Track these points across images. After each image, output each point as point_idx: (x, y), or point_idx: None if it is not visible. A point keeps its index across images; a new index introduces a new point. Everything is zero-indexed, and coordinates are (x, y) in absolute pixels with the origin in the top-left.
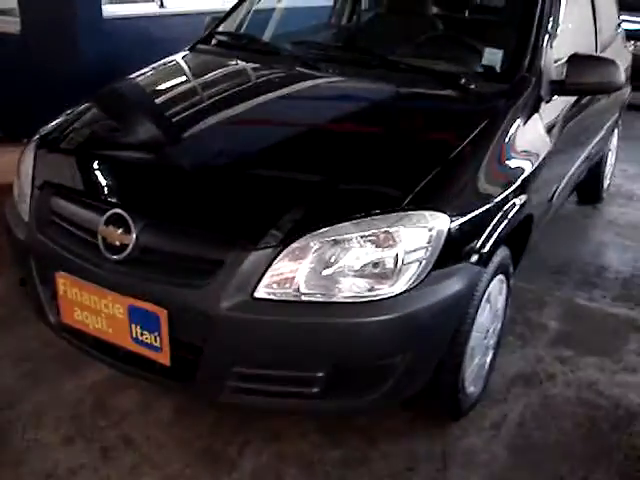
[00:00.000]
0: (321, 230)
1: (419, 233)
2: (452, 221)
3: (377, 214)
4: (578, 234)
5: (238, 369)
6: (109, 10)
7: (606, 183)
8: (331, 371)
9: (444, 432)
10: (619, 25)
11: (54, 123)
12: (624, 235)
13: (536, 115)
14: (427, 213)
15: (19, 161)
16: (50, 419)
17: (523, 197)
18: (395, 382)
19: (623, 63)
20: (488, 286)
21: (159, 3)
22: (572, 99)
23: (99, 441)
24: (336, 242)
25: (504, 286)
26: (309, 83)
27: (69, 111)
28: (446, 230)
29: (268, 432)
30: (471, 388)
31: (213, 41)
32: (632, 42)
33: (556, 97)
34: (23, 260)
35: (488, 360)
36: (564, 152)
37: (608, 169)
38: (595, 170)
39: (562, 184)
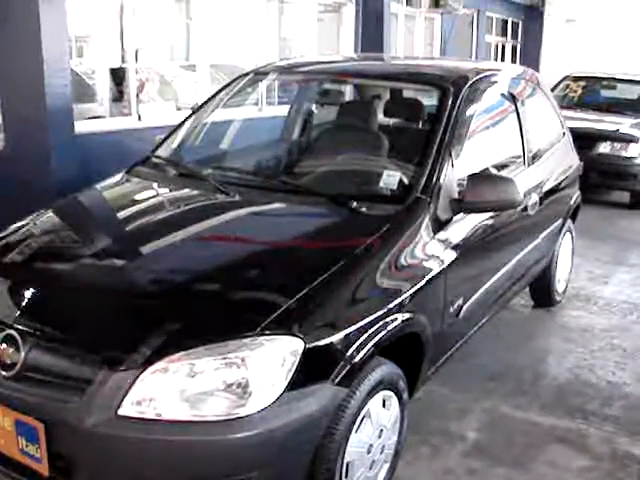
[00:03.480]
0: (179, 353)
1: (271, 357)
2: (307, 345)
3: (231, 339)
4: (523, 339)
5: None
6: (82, 127)
7: (561, 287)
8: None
9: None
10: (563, 132)
11: None
12: (571, 340)
13: (430, 233)
14: (281, 338)
15: None
16: None
17: (405, 315)
18: None
19: (567, 167)
20: (364, 403)
21: (137, 117)
22: (486, 215)
23: None
24: (194, 365)
25: (393, 402)
26: (211, 207)
27: (8, 230)
28: (300, 354)
29: None
30: None
31: (149, 163)
32: (608, 142)
33: (461, 214)
34: None
35: (382, 473)
36: (471, 268)
37: (561, 273)
38: (544, 275)
39: (472, 299)
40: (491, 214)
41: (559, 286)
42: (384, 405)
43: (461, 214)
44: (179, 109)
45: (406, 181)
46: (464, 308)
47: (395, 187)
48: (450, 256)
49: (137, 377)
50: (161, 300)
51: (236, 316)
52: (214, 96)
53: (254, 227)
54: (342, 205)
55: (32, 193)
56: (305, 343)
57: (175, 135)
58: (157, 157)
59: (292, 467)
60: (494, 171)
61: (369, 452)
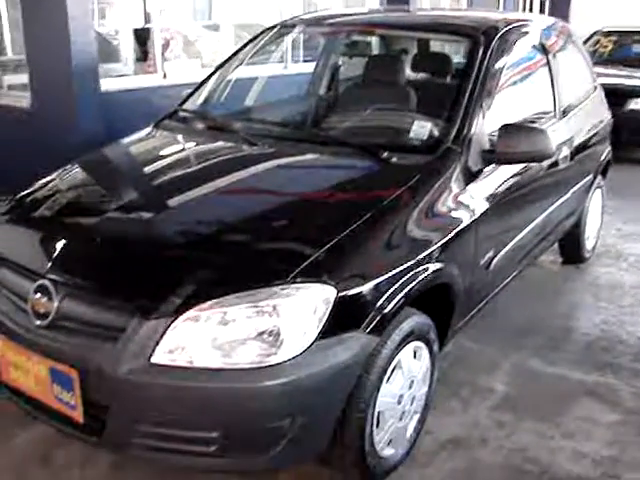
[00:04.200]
0: (210, 302)
1: (303, 305)
2: (339, 293)
3: (265, 286)
4: (553, 295)
5: (140, 428)
6: (108, 84)
7: (590, 244)
8: (224, 432)
9: None
10: (594, 86)
11: (17, 195)
12: (601, 296)
13: (462, 184)
14: (313, 285)
15: None
16: None
17: (436, 265)
18: (288, 443)
19: (598, 122)
20: (396, 354)
21: (163, 75)
22: (518, 166)
23: None
24: (226, 313)
25: (424, 353)
26: (240, 158)
27: (33, 184)
28: (332, 302)
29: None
30: (389, 451)
31: (177, 117)
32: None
33: (493, 166)
34: None
35: (412, 424)
36: (502, 220)
37: (591, 230)
38: (573, 231)
39: (503, 252)
40: (522, 167)
41: (588, 243)
42: (415, 356)
43: (492, 166)
44: (204, 67)
45: (437, 132)
46: (494, 261)
47: (426, 137)
48: (481, 207)
49: (169, 325)
50: (192, 250)
51: (267, 265)
52: (240, 50)
53: (284, 178)
54: (373, 155)
55: (58, 150)
56: (337, 291)
57: (201, 90)
58: (185, 111)
59: (323, 416)
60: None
61: (399, 403)
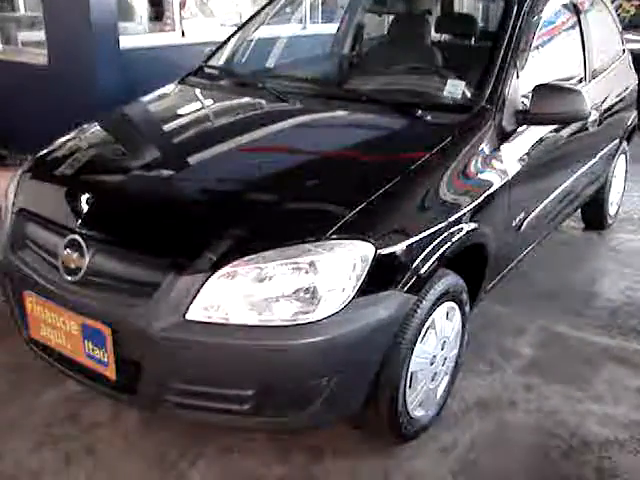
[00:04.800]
0: (249, 256)
1: (343, 261)
2: (378, 250)
3: (304, 242)
4: (576, 261)
5: (173, 385)
6: (128, 42)
7: (613, 210)
8: (259, 390)
9: (391, 454)
10: (623, 49)
11: (41, 152)
12: (623, 262)
13: (495, 144)
14: (352, 242)
15: (6, 187)
16: (26, 427)
17: (471, 225)
18: (323, 402)
19: (625, 87)
20: (430, 314)
21: (181, 33)
22: (549, 128)
23: (64, 449)
24: (262, 269)
25: (456, 313)
26: (273, 114)
27: (57, 140)
28: (370, 259)
29: (222, 446)
30: (419, 412)
31: (202, 73)
32: None
33: (525, 127)
34: (2, 278)
35: (442, 385)
36: (534, 181)
37: (614, 195)
38: (597, 197)
39: (533, 214)
40: (553, 129)
41: (611, 209)
42: (447, 317)
43: (525, 127)
44: (222, 25)
45: (471, 91)
46: (525, 223)
47: (460, 97)
48: (514, 168)
49: (205, 281)
50: (227, 206)
51: (305, 221)
52: (260, 11)
53: (317, 135)
54: (407, 113)
55: (76, 108)
56: (375, 248)
57: (224, 48)
58: (210, 67)
59: (359, 375)
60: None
61: (432, 364)
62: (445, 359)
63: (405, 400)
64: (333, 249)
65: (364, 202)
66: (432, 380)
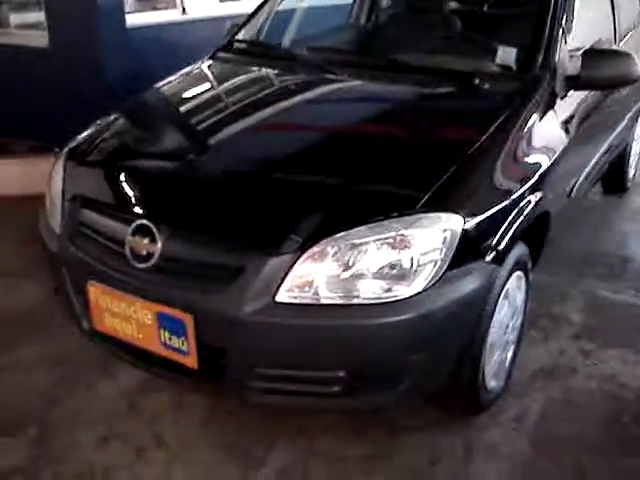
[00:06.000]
0: (338, 234)
1: (433, 235)
2: (466, 221)
3: (392, 217)
4: (602, 225)
5: (262, 370)
6: (132, 20)
7: (631, 172)
8: (351, 371)
9: (467, 426)
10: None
11: (83, 135)
12: None
13: (551, 111)
14: (441, 215)
15: (50, 174)
16: (86, 421)
17: (539, 194)
18: (415, 379)
19: None
20: (505, 283)
21: (181, 10)
22: (589, 92)
23: (133, 442)
24: (353, 246)
25: (523, 282)
26: (325, 88)
27: (98, 122)
28: (460, 231)
29: (294, 428)
30: (492, 383)
31: (233, 48)
32: None
33: (572, 92)
34: (56, 270)
35: (509, 355)
36: (582, 146)
37: (633, 158)
38: (619, 160)
39: (581, 178)
40: (594, 93)
41: (630, 172)
42: (517, 286)
43: (572, 92)
44: (222, 1)
45: (523, 57)
46: (575, 188)
47: (513, 64)
48: (568, 134)
49: (294, 262)
50: (307, 184)
51: (391, 196)
52: None
53: (378, 108)
54: (462, 83)
55: (81, 92)
56: (464, 220)
57: (252, 22)
58: (241, 42)
59: (448, 349)
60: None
61: (505, 333)
62: (513, 328)
63: (484, 372)
64: (423, 223)
65: (446, 174)
66: (503, 350)
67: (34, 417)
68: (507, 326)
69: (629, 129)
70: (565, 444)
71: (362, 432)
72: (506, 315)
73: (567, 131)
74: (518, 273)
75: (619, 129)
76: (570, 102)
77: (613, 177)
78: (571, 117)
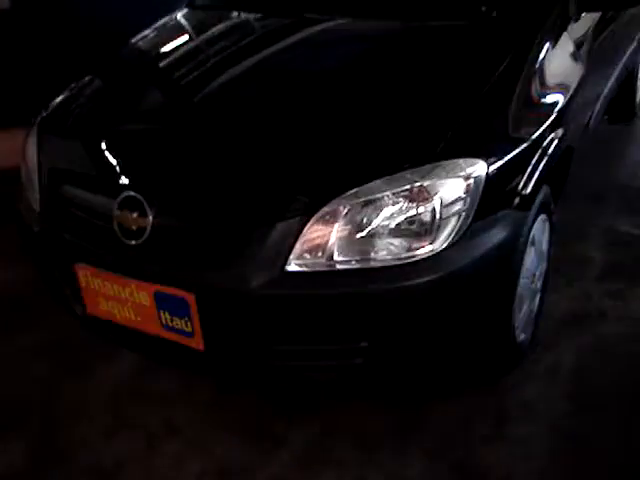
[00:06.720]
0: (350, 192)
1: (455, 183)
2: (489, 166)
3: (408, 168)
4: (612, 156)
5: (277, 347)
6: None
7: (638, 98)
8: (375, 341)
9: (498, 386)
10: None
11: (56, 102)
12: None
13: (564, 37)
14: (462, 161)
15: (23, 146)
16: (90, 411)
17: (561, 129)
18: (446, 344)
19: None
20: (531, 229)
21: None
22: (597, 14)
23: (142, 429)
24: (367, 202)
25: (547, 225)
26: (316, 30)
27: (72, 85)
28: (484, 177)
29: (312, 403)
30: (521, 336)
31: None
32: None
33: (583, 14)
34: (38, 252)
35: (536, 304)
36: (596, 73)
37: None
38: (626, 86)
39: (597, 107)
40: (604, 15)
41: (638, 97)
42: (542, 229)
43: (584, 14)
44: None
45: None
46: (592, 118)
47: None
48: (584, 61)
49: (302, 227)
50: (312, 136)
51: (404, 144)
52: None
53: (381, 48)
54: (470, 10)
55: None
56: (487, 165)
57: None
58: None
59: (479, 310)
60: None
61: (532, 282)
62: (540, 275)
63: (514, 325)
64: (442, 171)
65: (463, 114)
66: (532, 300)
67: (34, 410)
68: (534, 274)
69: (637, 52)
70: (604, 396)
71: (385, 403)
72: (532, 263)
73: (582, 58)
74: (542, 216)
75: (628, 52)
76: (582, 26)
77: (620, 104)
78: (583, 42)
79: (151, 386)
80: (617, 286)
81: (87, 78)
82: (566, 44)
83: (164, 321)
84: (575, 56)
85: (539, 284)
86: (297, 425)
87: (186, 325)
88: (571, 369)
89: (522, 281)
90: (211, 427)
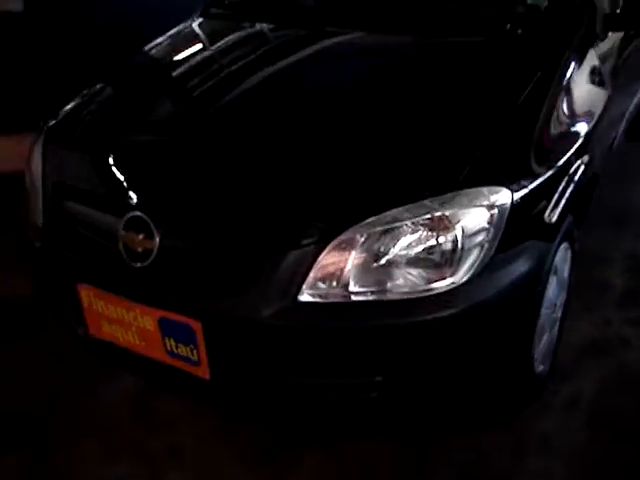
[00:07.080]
0: (368, 220)
1: (478, 213)
2: (514, 194)
3: (428, 196)
4: (632, 176)
5: (286, 380)
6: None
7: None
8: (390, 375)
9: (516, 419)
10: None
11: (65, 110)
12: None
13: (591, 56)
14: (485, 189)
15: (29, 154)
16: (90, 431)
17: (587, 155)
18: (464, 379)
19: None
20: (554, 258)
21: None
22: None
23: (145, 453)
24: (386, 231)
25: (569, 253)
26: (335, 45)
27: (83, 92)
28: (509, 206)
29: (321, 434)
30: (540, 367)
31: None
32: None
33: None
34: (40, 268)
35: (555, 333)
36: (621, 93)
37: None
38: None
39: (621, 127)
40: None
41: None
42: (564, 258)
43: (610, 34)
44: None
45: None
46: (615, 139)
47: (545, 2)
48: (610, 81)
49: (317, 256)
50: (328, 162)
51: (425, 171)
52: None
53: (402, 66)
54: (494, 28)
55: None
56: (512, 193)
57: None
58: None
59: (501, 344)
60: None
61: (553, 312)
62: (560, 305)
63: (533, 356)
64: (466, 199)
65: (487, 139)
66: (551, 329)
67: (32, 428)
68: (555, 304)
69: None
70: (628, 429)
71: (399, 435)
72: (554, 292)
73: (608, 78)
74: (565, 244)
75: None
76: (607, 44)
77: (635, 123)
78: (609, 61)
79: (156, 406)
80: (636, 312)
81: (98, 86)
82: (592, 64)
83: (169, 347)
84: (601, 76)
85: (559, 313)
86: (304, 456)
87: (192, 353)
88: (591, 400)
89: (543, 312)
90: (217, 452)
